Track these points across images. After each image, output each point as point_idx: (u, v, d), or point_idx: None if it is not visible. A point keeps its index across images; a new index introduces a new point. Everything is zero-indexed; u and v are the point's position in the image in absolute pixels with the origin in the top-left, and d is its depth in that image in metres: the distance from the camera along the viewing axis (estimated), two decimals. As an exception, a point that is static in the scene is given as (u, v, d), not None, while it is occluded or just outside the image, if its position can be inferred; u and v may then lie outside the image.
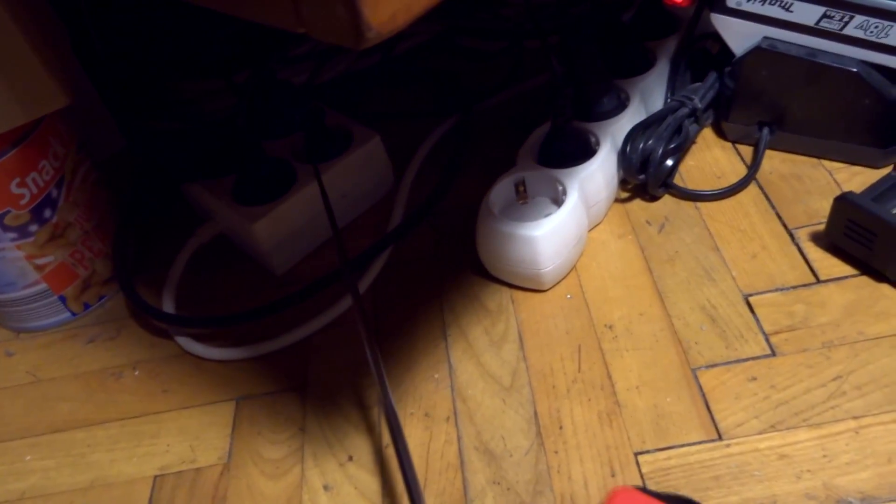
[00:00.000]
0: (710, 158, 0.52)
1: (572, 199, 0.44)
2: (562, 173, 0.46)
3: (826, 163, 0.50)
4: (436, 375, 0.43)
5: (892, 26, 0.43)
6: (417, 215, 0.52)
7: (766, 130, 0.50)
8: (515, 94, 0.61)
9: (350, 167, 0.51)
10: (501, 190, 0.46)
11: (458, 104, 0.60)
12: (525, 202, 0.46)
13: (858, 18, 0.44)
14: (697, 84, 0.52)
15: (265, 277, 0.51)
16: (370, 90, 0.65)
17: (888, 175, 0.44)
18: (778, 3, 0.46)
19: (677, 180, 0.50)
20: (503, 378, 0.42)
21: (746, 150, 0.52)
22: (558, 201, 0.45)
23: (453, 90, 0.62)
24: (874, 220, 0.41)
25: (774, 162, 0.51)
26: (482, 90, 0.61)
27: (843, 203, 0.42)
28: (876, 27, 0.44)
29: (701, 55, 0.54)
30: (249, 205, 0.49)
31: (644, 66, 0.52)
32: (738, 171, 0.51)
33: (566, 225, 0.43)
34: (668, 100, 0.52)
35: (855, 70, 0.45)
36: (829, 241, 0.44)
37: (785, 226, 0.47)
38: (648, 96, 0.52)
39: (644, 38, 0.54)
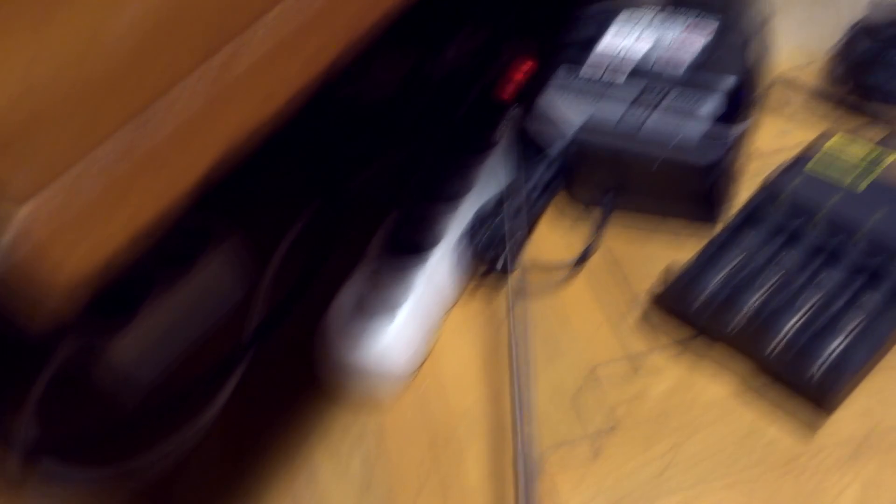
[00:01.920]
0: (560, 229, 0.54)
1: (416, 296, 0.45)
2: (409, 265, 0.47)
3: (669, 221, 0.52)
4: (293, 492, 0.43)
5: (689, 111, 0.46)
6: (272, 322, 0.52)
7: (608, 197, 0.52)
8: (379, 171, 0.61)
9: (207, 272, 0.51)
10: (345, 296, 0.47)
11: (322, 188, 0.60)
12: (370, 303, 0.47)
13: (663, 103, 0.47)
14: (542, 156, 0.54)
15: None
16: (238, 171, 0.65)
17: (712, 240, 0.47)
18: (593, 90, 0.48)
19: (529, 254, 0.52)
20: (355, 488, 0.42)
21: (596, 217, 0.54)
22: (405, 296, 0.46)
23: (317, 172, 0.63)
24: (687, 316, 0.44)
25: (618, 228, 0.53)
26: (348, 167, 0.62)
27: (662, 298, 0.45)
28: (676, 109, 0.47)
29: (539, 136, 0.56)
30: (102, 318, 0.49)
31: (482, 152, 0.54)
32: (587, 239, 0.53)
33: (406, 332, 0.45)
34: (514, 176, 0.54)
35: (668, 146, 0.47)
36: (665, 308, 0.47)
37: (628, 293, 0.49)
38: (488, 181, 0.53)
39: (488, 116, 0.56)
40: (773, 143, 0.56)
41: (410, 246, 0.48)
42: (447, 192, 0.51)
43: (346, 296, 0.47)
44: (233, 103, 0.21)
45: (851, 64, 0.57)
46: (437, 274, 0.47)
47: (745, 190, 0.52)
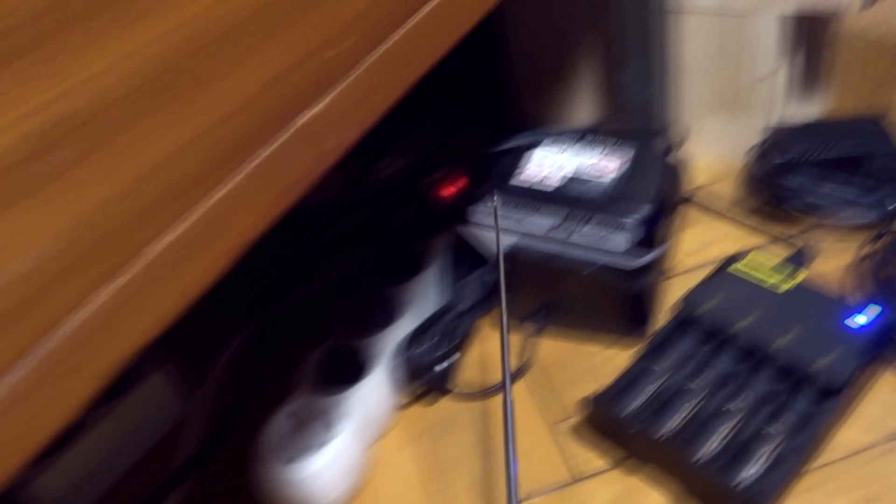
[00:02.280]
0: (490, 349, 0.54)
1: (341, 434, 0.45)
2: (336, 395, 0.47)
3: (598, 337, 0.53)
4: None
5: (608, 235, 0.48)
6: (208, 446, 0.51)
7: (537, 317, 0.54)
8: (315, 291, 0.62)
9: (140, 399, 0.51)
10: (276, 425, 0.46)
11: (258, 308, 0.61)
12: (300, 432, 0.47)
13: (583, 227, 0.49)
14: (469, 278, 0.55)
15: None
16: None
17: (635, 360, 0.48)
18: (512, 217, 0.50)
19: (461, 375, 0.53)
20: None
21: (527, 334, 0.55)
22: (337, 425, 0.46)
23: (254, 290, 0.63)
24: (616, 430, 0.45)
25: (546, 349, 0.53)
26: (285, 285, 0.63)
27: (593, 411, 0.46)
28: (596, 234, 0.48)
29: (469, 250, 0.57)
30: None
31: (414, 269, 0.55)
32: (516, 359, 0.53)
33: (338, 459, 0.44)
34: (441, 300, 0.54)
35: (587, 271, 0.49)
36: (594, 428, 0.47)
37: (556, 416, 0.49)
38: (421, 299, 0.54)
39: (412, 240, 0.57)
40: (692, 256, 0.58)
41: (343, 372, 0.48)
42: (379, 318, 0.52)
43: (278, 424, 0.46)
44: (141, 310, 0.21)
45: (764, 176, 0.60)
46: (370, 399, 0.47)
47: (668, 302, 0.53)
